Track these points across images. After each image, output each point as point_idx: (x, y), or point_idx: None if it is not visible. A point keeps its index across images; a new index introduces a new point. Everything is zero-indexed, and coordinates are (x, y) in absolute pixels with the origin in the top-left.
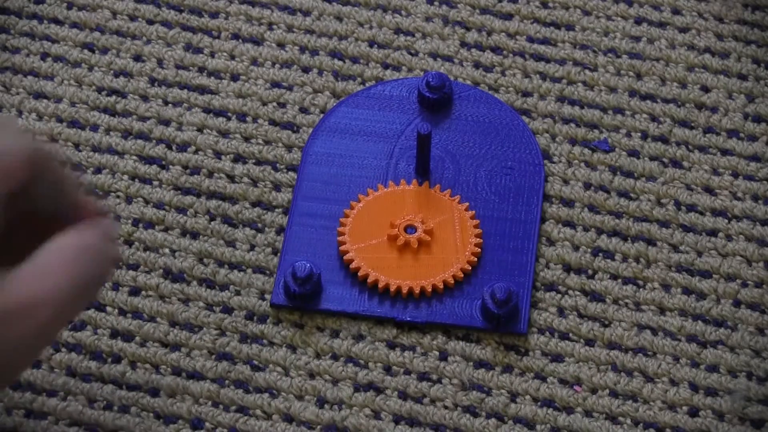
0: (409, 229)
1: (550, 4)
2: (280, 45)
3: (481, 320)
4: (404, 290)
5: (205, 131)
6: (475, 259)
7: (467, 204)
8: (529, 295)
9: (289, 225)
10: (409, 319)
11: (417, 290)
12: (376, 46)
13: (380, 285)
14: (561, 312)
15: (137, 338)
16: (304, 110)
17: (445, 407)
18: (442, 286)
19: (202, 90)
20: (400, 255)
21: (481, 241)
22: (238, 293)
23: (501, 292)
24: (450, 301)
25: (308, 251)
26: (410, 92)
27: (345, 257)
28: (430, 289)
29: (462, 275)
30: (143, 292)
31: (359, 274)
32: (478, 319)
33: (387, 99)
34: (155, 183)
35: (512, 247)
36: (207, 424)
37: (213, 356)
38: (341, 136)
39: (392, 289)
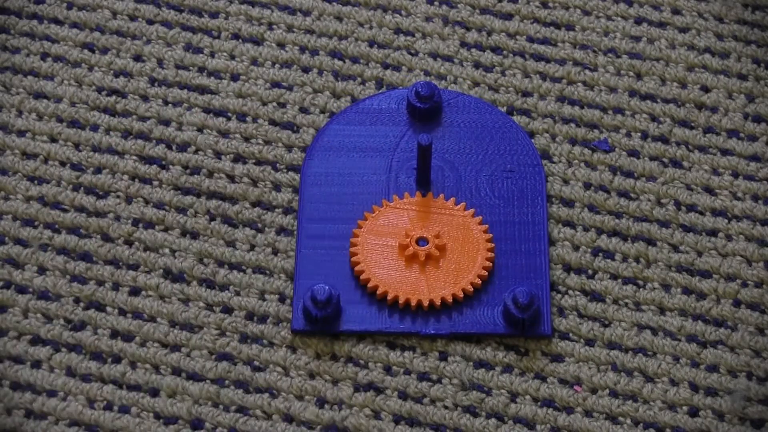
0: (421, 241)
1: (550, 4)
2: (280, 45)
3: (505, 326)
4: (424, 304)
5: (205, 131)
6: (490, 265)
7: (473, 210)
8: (548, 297)
9: (298, 249)
10: (432, 332)
11: (437, 302)
12: (376, 46)
13: (400, 301)
14: (561, 312)
15: (137, 338)
16: (304, 110)
17: (445, 407)
18: (461, 296)
19: (202, 90)
20: (415, 268)
21: (493, 246)
22: (237, 293)
23: (523, 297)
24: (470, 310)
25: (322, 273)
26: (399, 104)
27: (361, 277)
28: (449, 300)
29: (479, 283)
30: (143, 292)
31: (378, 292)
32: (501, 325)
33: (377, 113)
34: (155, 183)
35: (524, 250)
36: (207, 424)
37: (213, 356)
38: (337, 155)
39: (412, 303)
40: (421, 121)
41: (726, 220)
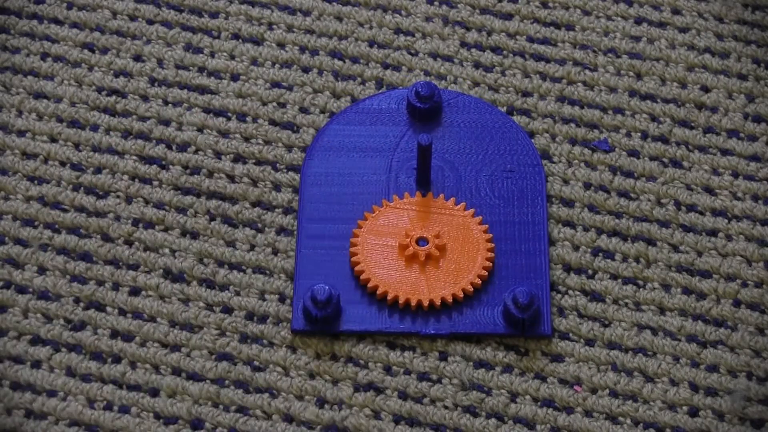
0: (421, 241)
1: (550, 4)
2: (280, 45)
3: (505, 326)
4: (424, 304)
5: (205, 131)
6: (490, 265)
7: (473, 210)
8: (548, 297)
9: (298, 249)
10: (432, 332)
11: (437, 302)
12: (376, 46)
13: (400, 301)
14: (561, 312)
15: (137, 338)
16: (304, 110)
17: (445, 407)
18: (461, 296)
19: (202, 90)
20: (414, 268)
21: (493, 246)
22: (237, 293)
23: (523, 297)
24: (470, 310)
25: (321, 273)
26: (399, 104)
27: (361, 277)
28: (449, 300)
29: (479, 283)
30: (143, 292)
31: (378, 292)
32: (501, 325)
33: (377, 113)
34: (155, 183)
35: (524, 250)
36: (207, 424)
37: (213, 356)
38: (337, 155)
39: (412, 303)
40: (421, 121)
41: (726, 220)
